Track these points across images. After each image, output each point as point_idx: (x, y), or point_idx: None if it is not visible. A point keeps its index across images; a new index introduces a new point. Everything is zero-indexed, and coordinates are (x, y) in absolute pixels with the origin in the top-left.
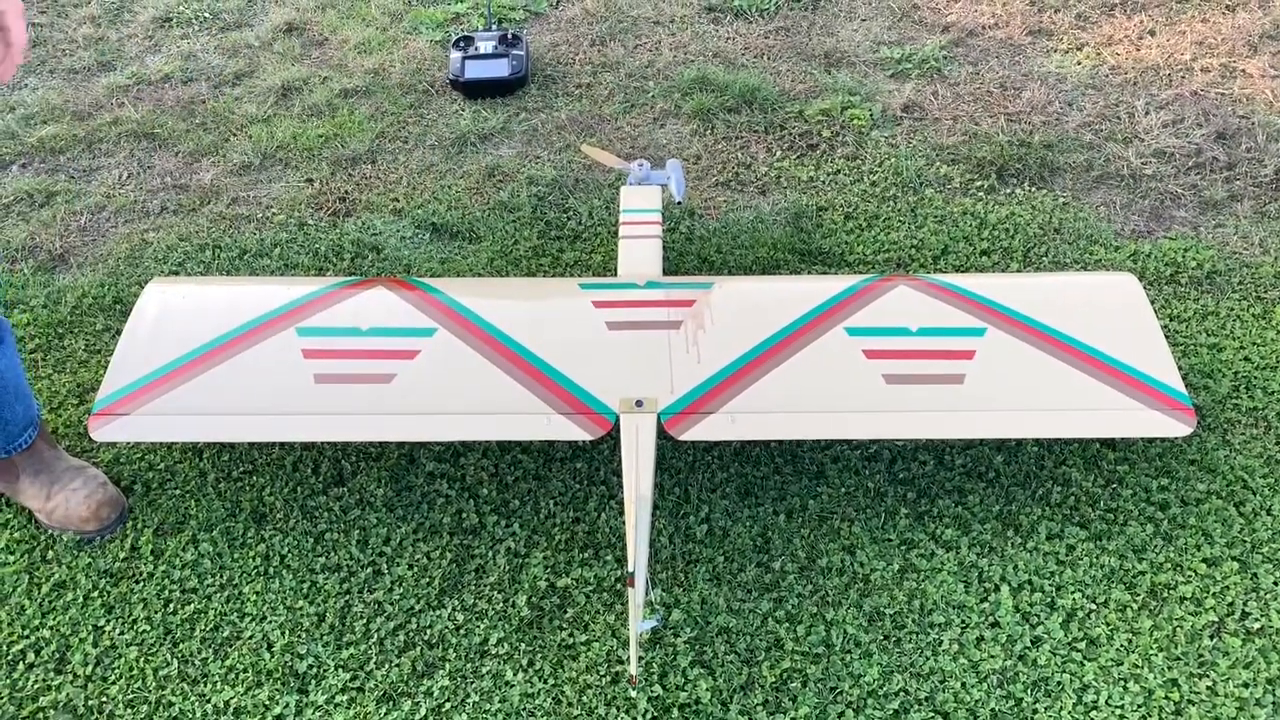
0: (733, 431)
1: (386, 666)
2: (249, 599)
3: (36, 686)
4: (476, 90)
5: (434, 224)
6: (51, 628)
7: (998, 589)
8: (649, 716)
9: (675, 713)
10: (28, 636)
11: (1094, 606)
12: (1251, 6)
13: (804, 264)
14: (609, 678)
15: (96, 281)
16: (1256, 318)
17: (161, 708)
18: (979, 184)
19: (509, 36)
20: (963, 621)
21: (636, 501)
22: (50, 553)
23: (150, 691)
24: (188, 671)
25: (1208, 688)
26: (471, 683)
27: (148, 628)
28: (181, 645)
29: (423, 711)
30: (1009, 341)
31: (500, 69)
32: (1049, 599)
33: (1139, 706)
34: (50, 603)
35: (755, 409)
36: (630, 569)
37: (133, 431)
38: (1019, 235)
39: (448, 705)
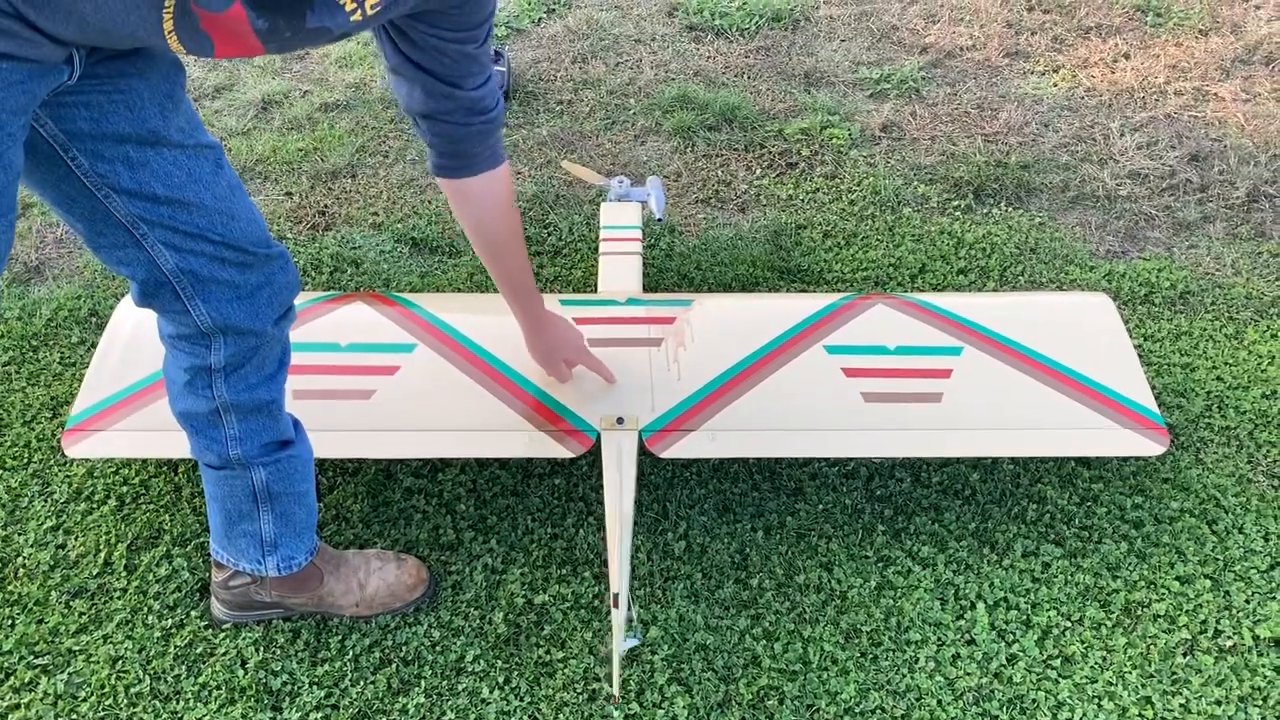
0: (713, 449)
1: (362, 684)
2: None
3: (6, 705)
4: None
5: (414, 239)
6: (22, 643)
7: (974, 606)
8: None
9: None
10: None
11: (1069, 624)
12: (1224, 31)
13: (783, 281)
14: (586, 695)
15: (72, 294)
16: (1229, 338)
17: None
18: (956, 203)
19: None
20: (939, 639)
21: (619, 520)
22: (21, 570)
23: (121, 709)
24: (160, 689)
25: (1181, 705)
26: (447, 700)
27: (119, 644)
28: (154, 662)
29: None
30: (986, 361)
31: None
32: (1024, 616)
33: None
34: (21, 618)
35: (735, 427)
36: (613, 589)
37: (107, 448)
38: (995, 255)
39: None
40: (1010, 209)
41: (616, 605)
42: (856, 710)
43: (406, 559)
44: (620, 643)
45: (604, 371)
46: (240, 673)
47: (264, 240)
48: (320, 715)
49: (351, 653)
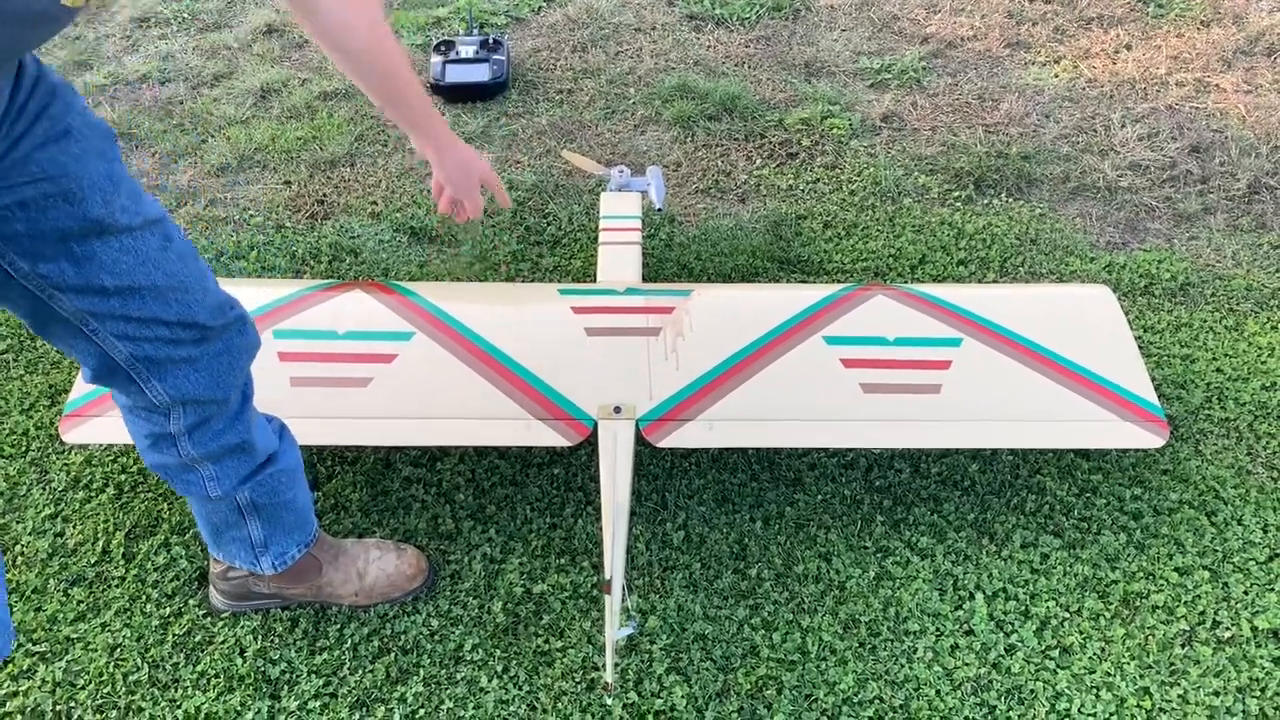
0: (711, 439)
1: (360, 672)
2: None
3: (3, 692)
4: (457, 94)
5: (412, 228)
6: (20, 631)
7: (972, 597)
8: None
9: (650, 719)
10: None
11: (1067, 615)
12: (1226, 23)
13: (783, 272)
14: (585, 684)
15: None
16: (1229, 329)
17: (131, 713)
18: (957, 194)
19: (490, 41)
20: (937, 629)
21: (614, 508)
22: (20, 558)
23: (119, 697)
24: (158, 677)
25: (1179, 696)
26: (446, 689)
27: (117, 632)
28: (152, 650)
29: (396, 718)
30: (985, 352)
31: (481, 74)
32: (1023, 607)
33: (1111, 714)
34: (20, 606)
35: (733, 416)
36: (607, 576)
37: (105, 433)
38: (996, 246)
39: (421, 712)
40: (1011, 200)
41: (609, 591)
42: (855, 700)
43: (406, 548)
44: (614, 630)
45: (503, 195)
46: (239, 661)
47: (220, 307)
48: (318, 704)
49: (350, 641)
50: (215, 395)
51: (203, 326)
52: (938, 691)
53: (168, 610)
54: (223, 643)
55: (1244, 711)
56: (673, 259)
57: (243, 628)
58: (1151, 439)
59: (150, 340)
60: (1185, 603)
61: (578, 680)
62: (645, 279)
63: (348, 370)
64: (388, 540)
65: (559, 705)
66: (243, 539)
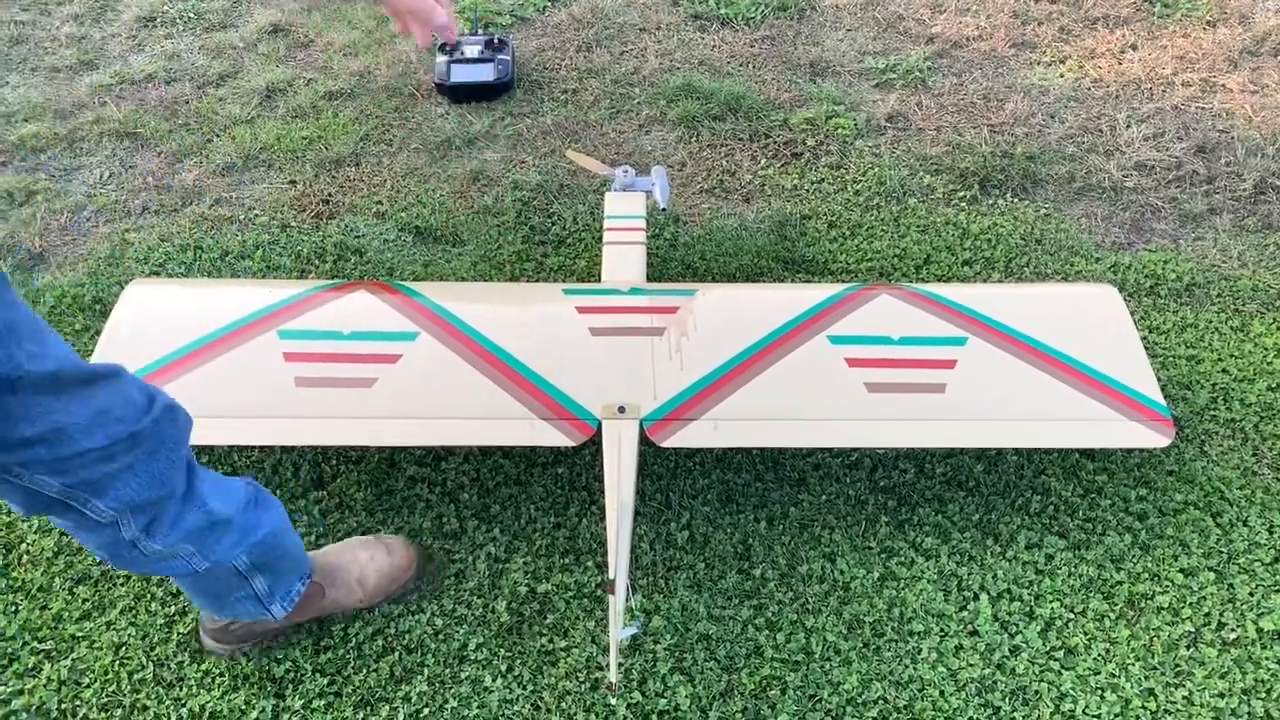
0: (715, 439)
1: (364, 671)
2: None
3: (9, 690)
4: (462, 94)
5: (417, 228)
6: (25, 629)
7: (977, 598)
8: None
9: (655, 719)
10: (0, 640)
11: (1072, 616)
12: (1232, 23)
13: (787, 272)
14: (588, 684)
15: (76, 281)
16: (1234, 330)
17: (136, 711)
18: (962, 194)
19: (495, 41)
20: (942, 630)
21: (618, 508)
22: (25, 556)
23: (125, 695)
24: (163, 675)
25: (1184, 697)
26: (450, 688)
27: (123, 630)
28: (157, 649)
29: (400, 717)
30: (990, 351)
31: (486, 73)
32: (1027, 608)
33: (1116, 716)
34: (25, 605)
35: (737, 416)
36: (611, 575)
37: None
38: (1001, 246)
39: (426, 711)
40: (1016, 200)
41: (613, 591)
42: (859, 701)
43: (392, 540)
44: (618, 630)
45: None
46: (243, 660)
47: (144, 407)
48: (323, 703)
49: (354, 640)
50: (162, 492)
51: (133, 435)
52: (942, 692)
53: (173, 609)
54: None
55: (1249, 713)
56: (677, 259)
57: None
58: (1158, 438)
59: (82, 467)
60: (1190, 604)
61: (582, 680)
62: (650, 279)
63: (353, 370)
64: (369, 537)
65: (563, 705)
66: (248, 596)
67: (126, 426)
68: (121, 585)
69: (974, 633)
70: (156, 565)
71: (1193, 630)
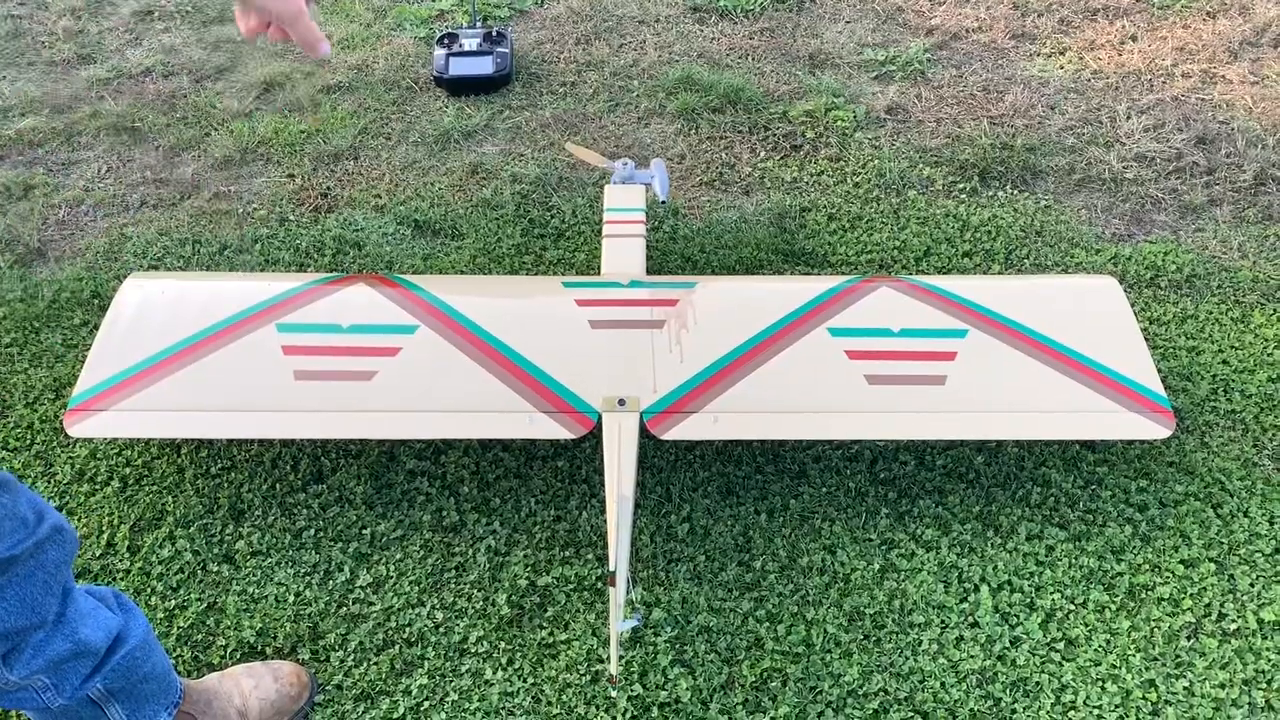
0: (715, 431)
1: (365, 665)
2: (226, 596)
3: None
4: (460, 87)
5: (416, 221)
6: None
7: (977, 589)
8: (629, 715)
9: (655, 712)
10: None
11: (1073, 607)
12: (1232, 14)
13: (787, 264)
14: (589, 676)
15: (74, 275)
16: (1235, 321)
17: None
18: (962, 186)
19: (493, 34)
20: (942, 621)
21: (618, 501)
22: None
23: None
24: None
25: (1185, 688)
26: (450, 681)
27: None
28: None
29: (401, 710)
30: (990, 343)
31: (484, 66)
32: (1028, 599)
33: (1117, 707)
34: None
35: (738, 409)
36: (611, 568)
37: (109, 427)
38: (1001, 237)
39: (426, 704)
40: (1016, 192)
41: (613, 584)
42: (859, 692)
43: (281, 666)
44: (618, 622)
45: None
46: (244, 654)
47: (31, 525)
48: (323, 696)
49: (355, 634)
50: (32, 620)
51: (10, 559)
52: (943, 684)
53: (172, 603)
54: (227, 635)
55: (1250, 703)
56: (677, 251)
57: (247, 621)
58: (1158, 429)
59: None
60: (1191, 595)
61: (582, 672)
62: (649, 272)
63: (352, 364)
64: (257, 663)
65: (563, 697)
66: None
67: (5, 547)
68: (121, 579)
69: (975, 624)
70: (8, 696)
71: (1193, 621)
